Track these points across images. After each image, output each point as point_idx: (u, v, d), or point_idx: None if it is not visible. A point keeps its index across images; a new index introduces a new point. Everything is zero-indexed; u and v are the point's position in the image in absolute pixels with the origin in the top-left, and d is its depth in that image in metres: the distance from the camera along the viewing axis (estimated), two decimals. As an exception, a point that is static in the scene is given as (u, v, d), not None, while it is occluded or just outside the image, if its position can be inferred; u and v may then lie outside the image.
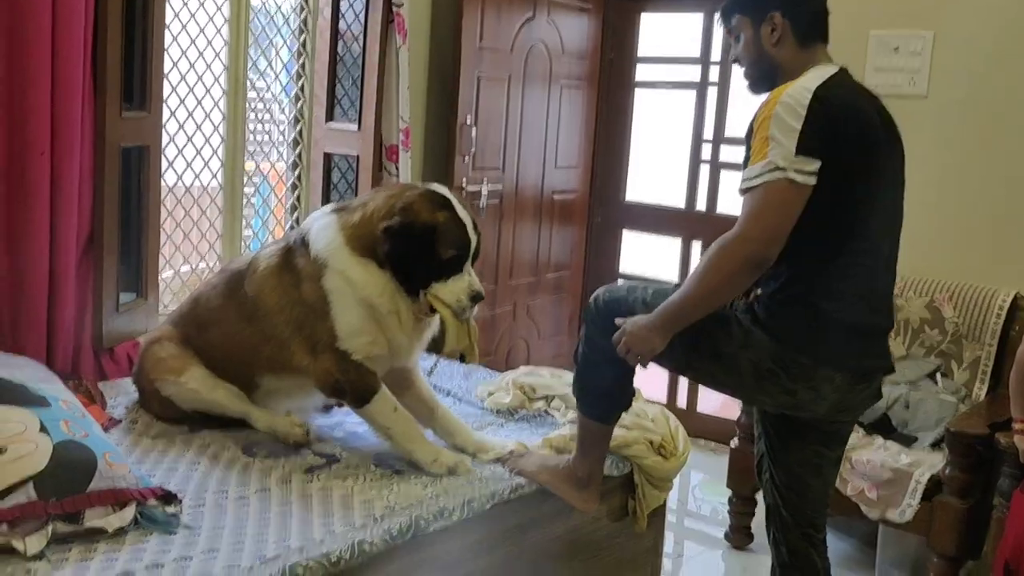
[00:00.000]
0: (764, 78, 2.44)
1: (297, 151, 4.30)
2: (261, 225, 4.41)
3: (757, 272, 2.23)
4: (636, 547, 3.31)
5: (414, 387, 3.00)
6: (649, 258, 5.76)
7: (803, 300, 2.33)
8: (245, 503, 2.58)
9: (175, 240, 3.95)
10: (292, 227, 4.35)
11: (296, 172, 4.31)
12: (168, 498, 2.49)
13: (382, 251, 2.72)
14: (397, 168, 4.09)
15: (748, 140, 2.27)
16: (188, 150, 3.93)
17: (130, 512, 2.38)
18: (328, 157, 4.24)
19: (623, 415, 3.22)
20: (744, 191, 2.23)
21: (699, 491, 4.74)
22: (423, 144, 4.50)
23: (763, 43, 2.43)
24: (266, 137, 4.32)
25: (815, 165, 2.17)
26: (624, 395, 2.75)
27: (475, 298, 2.77)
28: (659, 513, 3.35)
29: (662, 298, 2.42)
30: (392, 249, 2.71)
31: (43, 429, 2.39)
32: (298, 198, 4.33)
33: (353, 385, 2.76)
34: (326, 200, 4.27)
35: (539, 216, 5.07)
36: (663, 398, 5.33)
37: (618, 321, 2.48)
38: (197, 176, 3.98)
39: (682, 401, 5.28)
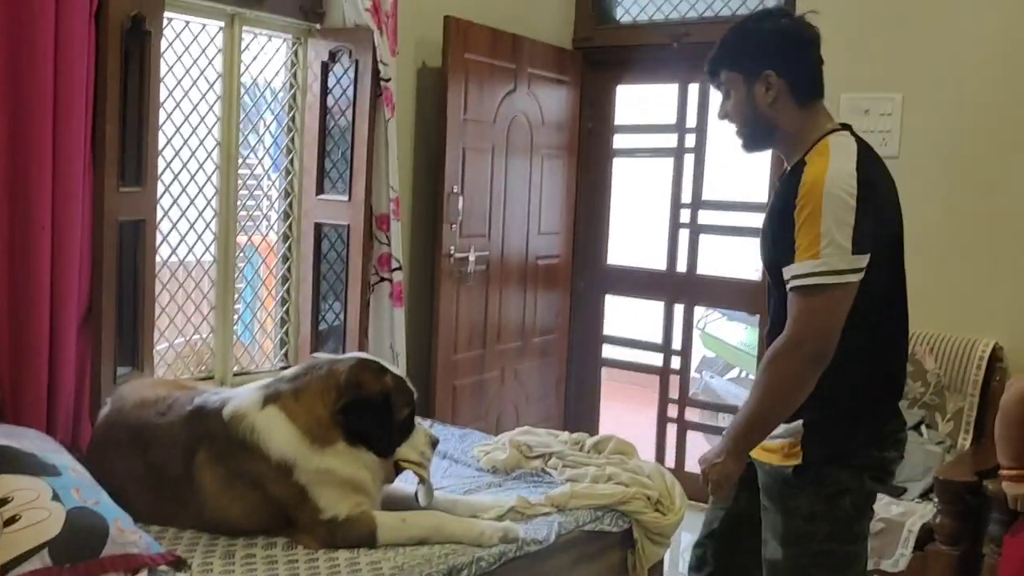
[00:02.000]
0: (760, 138, 2.37)
1: (288, 223, 4.37)
2: (253, 296, 4.47)
3: (820, 369, 2.14)
4: (637, 604, 3.34)
5: (389, 492, 3.00)
6: (632, 321, 5.85)
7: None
8: (252, 567, 2.60)
9: (169, 312, 3.99)
10: (283, 299, 4.40)
11: (287, 244, 4.38)
12: (178, 564, 2.52)
13: (343, 430, 2.76)
14: (388, 237, 4.17)
15: (785, 221, 2.16)
16: (182, 224, 3.99)
17: (142, 577, 2.41)
18: (319, 228, 4.32)
19: (619, 471, 3.29)
20: (795, 288, 2.14)
21: (689, 552, 4.72)
22: (411, 213, 4.59)
23: (757, 102, 2.31)
24: (257, 211, 4.39)
25: (867, 259, 2.13)
26: None
27: (435, 445, 2.92)
28: (657, 569, 3.39)
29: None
30: (354, 424, 2.76)
31: (55, 497, 2.41)
32: (289, 268, 4.39)
33: (352, 540, 2.74)
34: (316, 270, 4.33)
35: (524, 281, 5.13)
36: (651, 456, 5.37)
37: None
38: (191, 249, 4.04)
39: (670, 460, 5.33)
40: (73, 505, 2.42)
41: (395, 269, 4.18)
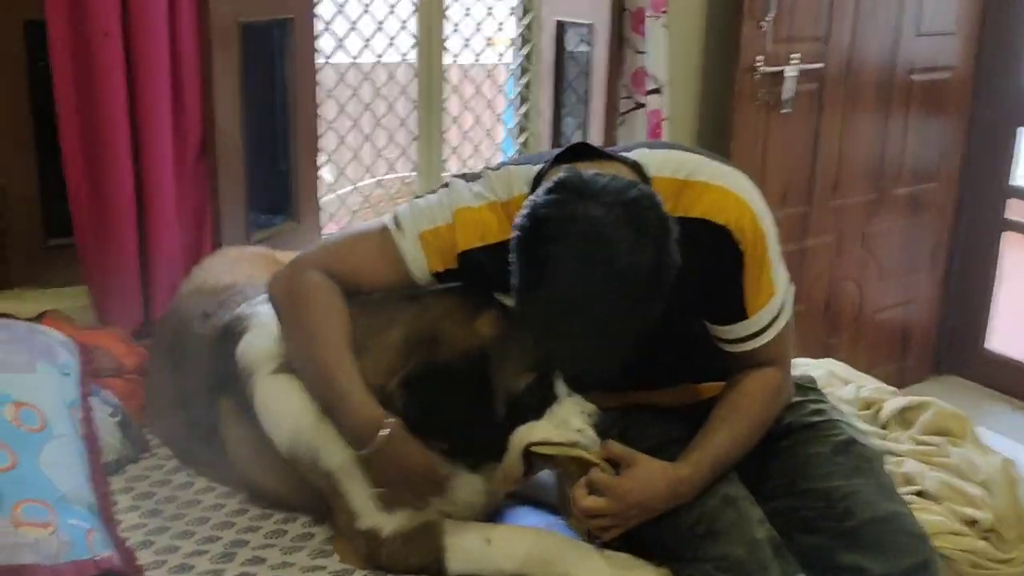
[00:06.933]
0: None
1: (527, 20, 3.17)
2: (494, 121, 3.38)
3: None
4: None
5: None
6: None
7: None
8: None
9: (352, 145, 3.04)
10: (520, 127, 3.27)
11: (525, 50, 3.19)
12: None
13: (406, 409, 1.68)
14: (645, 43, 2.85)
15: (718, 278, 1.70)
16: (366, 23, 2.96)
17: (32, 601, 1.55)
18: (560, 28, 3.09)
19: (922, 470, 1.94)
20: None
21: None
22: (700, 5, 3.17)
23: None
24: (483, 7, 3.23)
25: None
26: None
27: (599, 423, 1.71)
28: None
29: None
30: (418, 417, 1.67)
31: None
32: (527, 86, 3.22)
33: (407, 563, 1.73)
34: (558, 94, 3.14)
35: (887, 107, 3.60)
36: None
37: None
38: (379, 58, 3.01)
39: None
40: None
41: (651, 91, 2.87)
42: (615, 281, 1.45)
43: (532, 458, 1.70)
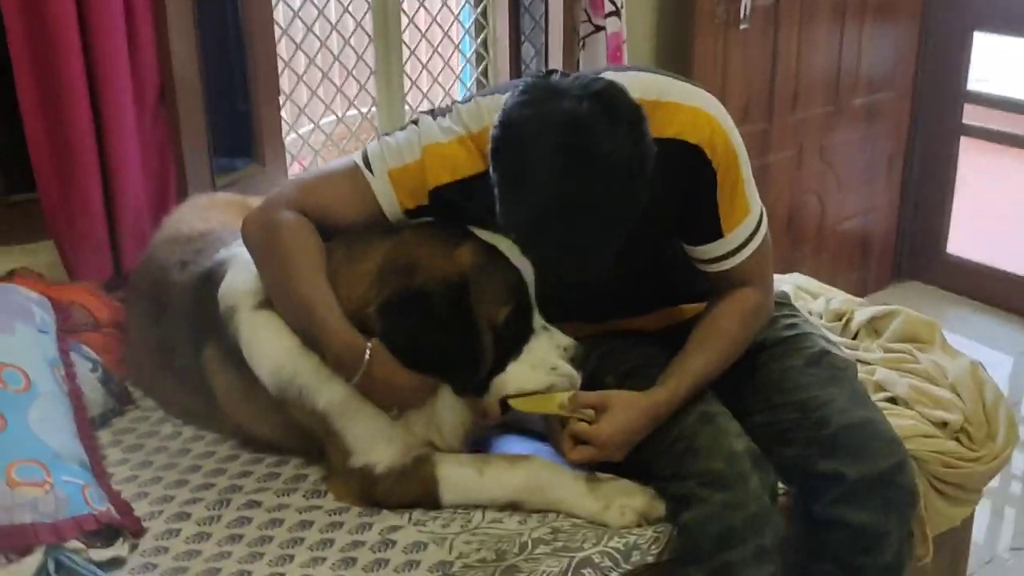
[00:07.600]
0: None
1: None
2: (470, 51, 3.33)
3: None
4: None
5: None
6: (1013, 72, 4.09)
7: None
8: (239, 530, 1.71)
9: (310, 82, 2.99)
10: (478, 56, 3.25)
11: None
12: (112, 533, 1.66)
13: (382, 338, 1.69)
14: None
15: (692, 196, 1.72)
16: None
17: (34, 560, 1.58)
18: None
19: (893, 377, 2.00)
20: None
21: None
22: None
23: None
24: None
25: None
26: None
27: (576, 356, 1.74)
28: (959, 537, 2.09)
29: None
30: (398, 345, 1.68)
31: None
32: (483, 13, 3.19)
33: (401, 498, 1.76)
34: (515, 20, 3.10)
35: (842, 17, 3.59)
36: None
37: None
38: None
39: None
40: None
41: (610, 14, 2.85)
42: (597, 170, 1.46)
43: (509, 407, 1.75)
